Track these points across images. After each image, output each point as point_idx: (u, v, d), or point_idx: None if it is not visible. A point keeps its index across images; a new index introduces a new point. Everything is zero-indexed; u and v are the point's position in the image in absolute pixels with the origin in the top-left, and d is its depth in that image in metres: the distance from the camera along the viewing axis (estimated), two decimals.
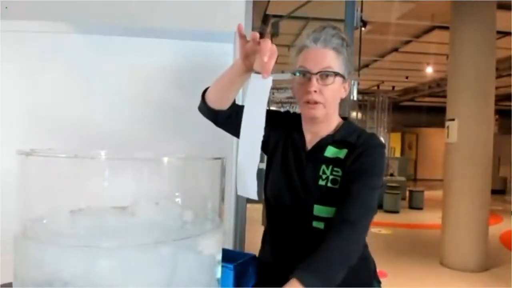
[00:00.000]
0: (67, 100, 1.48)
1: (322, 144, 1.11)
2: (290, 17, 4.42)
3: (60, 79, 1.48)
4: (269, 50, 0.88)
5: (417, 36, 6.86)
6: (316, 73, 1.04)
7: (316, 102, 1.05)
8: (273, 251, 1.16)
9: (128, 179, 0.72)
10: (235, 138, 1.49)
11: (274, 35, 4.22)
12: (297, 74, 1.08)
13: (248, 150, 0.91)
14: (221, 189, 0.83)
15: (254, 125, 0.90)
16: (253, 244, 1.29)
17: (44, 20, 1.46)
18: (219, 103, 1.12)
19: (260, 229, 1.26)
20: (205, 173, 0.83)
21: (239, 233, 1.53)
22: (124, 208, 0.74)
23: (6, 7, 1.47)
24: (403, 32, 6.54)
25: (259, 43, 0.91)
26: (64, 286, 0.61)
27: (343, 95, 1.12)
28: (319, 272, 0.87)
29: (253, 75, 0.94)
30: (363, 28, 4.30)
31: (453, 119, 4.71)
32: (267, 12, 5.48)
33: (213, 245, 0.77)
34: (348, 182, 1.02)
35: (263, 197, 1.20)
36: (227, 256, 0.90)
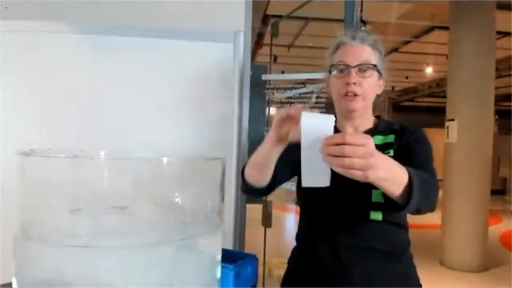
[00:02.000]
0: (66, 100, 1.48)
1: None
2: (290, 17, 4.42)
3: (60, 79, 1.48)
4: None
5: (417, 36, 6.86)
6: (355, 66, 1.06)
7: (355, 95, 1.07)
8: (315, 253, 1.12)
9: (128, 179, 0.72)
10: (235, 138, 1.50)
11: (273, 35, 4.21)
12: (335, 71, 1.10)
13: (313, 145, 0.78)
14: (221, 189, 0.83)
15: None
16: (253, 244, 1.28)
17: (44, 20, 1.46)
18: (264, 181, 1.07)
19: (260, 229, 1.25)
20: (205, 173, 0.83)
21: (239, 233, 1.53)
22: (124, 208, 0.74)
23: (6, 7, 1.47)
24: (402, 32, 6.55)
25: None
26: (64, 286, 0.61)
27: (379, 91, 1.14)
28: (421, 188, 0.86)
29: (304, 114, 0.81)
30: (363, 28, 4.29)
31: (452, 119, 4.71)
32: (267, 12, 5.48)
33: (213, 245, 0.77)
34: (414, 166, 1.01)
35: (263, 198, 1.19)
36: (227, 256, 0.90)
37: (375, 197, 1.04)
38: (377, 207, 1.06)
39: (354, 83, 1.06)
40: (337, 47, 1.12)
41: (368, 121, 1.16)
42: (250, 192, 1.13)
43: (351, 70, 1.06)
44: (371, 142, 0.74)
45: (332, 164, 0.74)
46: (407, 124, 1.15)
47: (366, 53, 1.08)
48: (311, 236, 1.15)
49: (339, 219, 1.09)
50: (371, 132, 1.13)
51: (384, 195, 0.94)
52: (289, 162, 1.05)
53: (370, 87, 1.09)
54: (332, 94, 1.15)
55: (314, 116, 0.80)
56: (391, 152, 1.08)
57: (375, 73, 1.09)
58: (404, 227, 1.14)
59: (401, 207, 0.89)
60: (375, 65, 1.08)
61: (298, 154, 1.00)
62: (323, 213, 1.12)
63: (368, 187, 1.00)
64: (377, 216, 1.06)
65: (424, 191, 0.88)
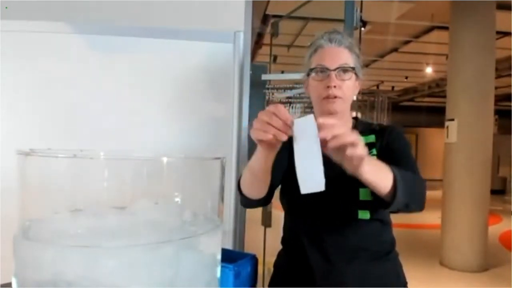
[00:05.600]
0: (66, 100, 1.48)
1: None
2: (289, 17, 4.42)
3: (60, 79, 1.48)
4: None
5: (417, 36, 6.86)
6: (335, 69, 1.07)
7: (336, 97, 1.08)
8: (304, 256, 1.11)
9: (128, 179, 0.72)
10: (234, 138, 1.50)
11: (273, 35, 4.22)
12: (313, 73, 1.11)
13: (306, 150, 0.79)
14: (221, 189, 0.83)
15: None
16: (253, 244, 1.27)
17: (44, 20, 1.46)
18: (261, 192, 1.06)
19: (260, 229, 1.25)
20: (205, 173, 0.83)
21: (239, 233, 1.53)
22: (124, 208, 0.74)
23: (6, 7, 1.47)
24: (402, 32, 6.55)
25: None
26: (64, 286, 0.61)
27: (356, 92, 1.16)
28: (406, 183, 0.90)
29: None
30: (362, 28, 4.30)
31: (452, 119, 4.71)
32: (267, 12, 5.48)
33: (212, 245, 0.77)
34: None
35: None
36: (227, 256, 0.90)
37: (362, 195, 1.05)
38: (364, 205, 1.06)
39: (335, 86, 1.07)
40: (315, 50, 1.13)
41: (347, 123, 1.17)
42: (250, 205, 1.13)
43: (331, 73, 1.07)
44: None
45: (347, 155, 0.78)
46: (385, 124, 1.18)
47: (344, 56, 1.10)
48: (299, 239, 1.14)
49: (327, 220, 1.10)
50: None
51: (373, 194, 0.95)
52: (281, 165, 1.05)
53: (349, 89, 1.11)
54: (312, 97, 1.16)
55: (298, 121, 0.79)
56: (374, 151, 1.10)
57: (353, 75, 1.11)
58: (389, 224, 1.16)
59: (388, 204, 0.91)
60: (353, 68, 1.10)
61: (287, 154, 0.99)
62: (310, 215, 1.12)
63: (355, 185, 1.01)
64: (365, 215, 1.07)
65: (409, 187, 0.90)
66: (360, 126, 1.16)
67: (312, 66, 1.12)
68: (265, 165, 0.95)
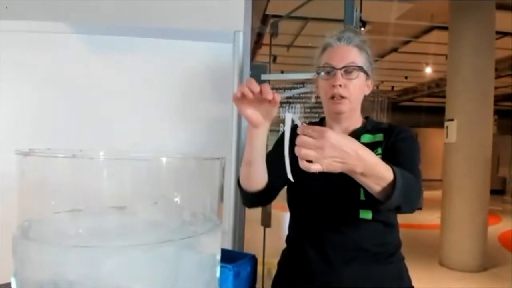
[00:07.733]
0: (66, 100, 1.48)
1: (356, 134, 1.11)
2: (289, 17, 4.42)
3: (60, 79, 1.48)
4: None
5: (416, 36, 6.87)
6: (341, 68, 1.07)
7: (341, 97, 1.07)
8: (304, 255, 1.11)
9: (127, 179, 0.72)
10: (234, 138, 1.50)
11: (273, 35, 4.22)
12: (321, 73, 1.11)
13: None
14: (220, 189, 0.84)
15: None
16: (252, 244, 1.28)
17: (44, 20, 1.46)
18: (256, 181, 1.06)
19: (260, 229, 1.25)
20: (204, 173, 0.83)
21: (238, 233, 1.53)
22: (123, 208, 0.75)
23: (6, 7, 1.47)
24: (402, 32, 6.55)
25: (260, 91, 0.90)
26: (63, 286, 0.61)
27: (367, 91, 1.15)
28: (405, 183, 0.86)
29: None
30: (362, 28, 4.30)
31: (452, 119, 4.71)
32: (267, 12, 5.49)
33: (212, 244, 0.77)
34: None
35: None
36: (227, 256, 0.90)
37: (363, 195, 1.03)
38: (366, 205, 1.05)
39: (340, 85, 1.06)
40: (324, 49, 1.12)
41: (357, 122, 1.16)
42: (250, 202, 1.12)
43: (337, 72, 1.07)
44: (327, 136, 0.75)
45: (296, 153, 0.77)
46: (395, 124, 1.16)
47: (352, 55, 1.09)
48: (300, 237, 1.14)
49: (328, 219, 1.09)
50: (360, 131, 1.14)
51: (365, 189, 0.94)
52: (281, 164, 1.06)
53: (356, 89, 1.09)
54: (320, 96, 1.16)
55: (286, 116, 0.87)
56: (380, 151, 1.08)
57: (362, 74, 1.09)
58: (394, 226, 1.13)
59: (379, 203, 0.89)
60: (361, 67, 1.08)
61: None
62: (311, 213, 1.12)
63: (356, 184, 1.00)
64: (366, 215, 1.06)
65: (406, 191, 0.87)
66: (369, 125, 1.16)
67: (320, 65, 1.12)
68: (254, 146, 0.99)
